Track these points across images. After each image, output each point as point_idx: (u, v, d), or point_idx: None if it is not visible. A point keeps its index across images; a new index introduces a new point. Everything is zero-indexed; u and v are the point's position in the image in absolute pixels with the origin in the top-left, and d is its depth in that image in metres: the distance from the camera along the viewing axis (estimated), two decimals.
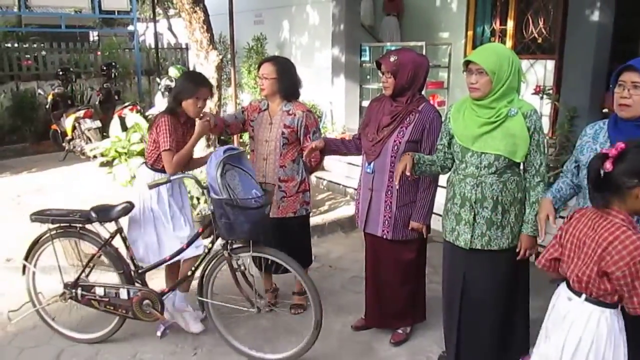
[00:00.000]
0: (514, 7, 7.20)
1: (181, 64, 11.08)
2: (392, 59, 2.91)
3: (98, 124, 8.03)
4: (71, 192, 6.34)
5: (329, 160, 6.93)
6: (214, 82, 5.08)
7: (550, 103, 5.55)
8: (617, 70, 2.18)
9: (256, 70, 3.52)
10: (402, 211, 3.03)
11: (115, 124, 7.33)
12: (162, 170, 3.21)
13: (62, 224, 3.19)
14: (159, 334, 3.31)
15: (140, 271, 3.23)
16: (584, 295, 1.97)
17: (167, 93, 8.31)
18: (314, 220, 5.19)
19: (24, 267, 3.35)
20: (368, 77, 7.90)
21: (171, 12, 15.38)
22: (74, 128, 8.03)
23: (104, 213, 3.11)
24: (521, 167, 2.67)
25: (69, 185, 6.81)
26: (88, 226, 3.20)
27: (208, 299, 3.18)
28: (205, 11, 4.99)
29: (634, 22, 6.10)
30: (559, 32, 6.51)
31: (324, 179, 6.64)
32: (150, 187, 3.03)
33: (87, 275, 3.30)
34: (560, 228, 2.10)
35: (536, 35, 7.00)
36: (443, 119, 2.79)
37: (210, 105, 5.13)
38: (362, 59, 7.62)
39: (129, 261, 3.23)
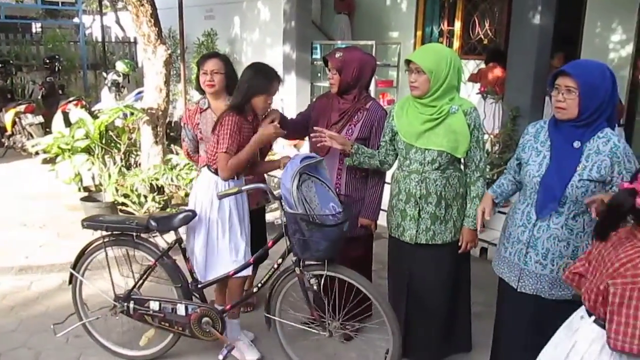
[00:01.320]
0: (461, 9, 7.38)
1: (129, 59, 10.82)
2: (337, 56, 2.95)
3: (40, 119, 7.75)
4: (11, 190, 6.09)
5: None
6: (162, 77, 4.99)
7: (494, 103, 5.72)
8: (552, 74, 2.26)
9: (196, 66, 3.37)
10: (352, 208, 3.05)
11: (58, 119, 7.07)
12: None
13: (115, 232, 2.93)
14: (221, 357, 2.89)
15: (199, 285, 2.93)
16: (593, 317, 1.83)
17: (113, 88, 8.12)
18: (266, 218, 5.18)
19: (71, 276, 3.07)
20: (319, 74, 7.93)
21: (119, 4, 14.96)
22: (14, 123, 7.72)
23: (163, 222, 2.83)
24: (462, 163, 2.78)
25: (9, 182, 6.55)
26: (144, 235, 2.92)
27: (276, 317, 2.89)
28: (152, 4, 4.88)
29: (574, 26, 6.36)
30: (504, 34, 6.72)
31: (275, 177, 6.62)
32: (220, 197, 2.73)
33: (139, 288, 3.02)
34: (592, 244, 1.97)
35: (482, 37, 7.20)
36: (389, 115, 2.84)
37: (159, 101, 5.04)
38: (314, 56, 7.64)
39: (187, 274, 2.95)
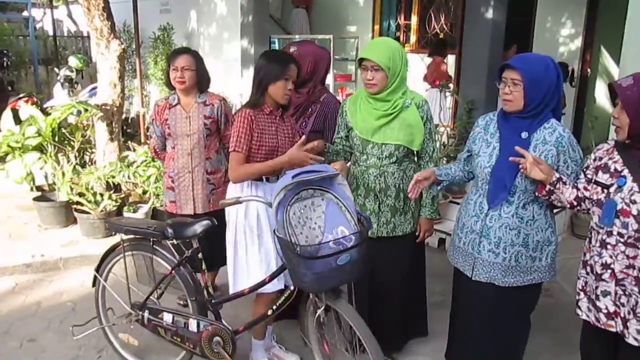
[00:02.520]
0: (417, 3, 7.49)
1: (83, 53, 10.52)
2: (292, 50, 2.97)
3: None
4: None
5: None
6: (116, 72, 4.88)
7: (450, 96, 5.82)
8: (498, 68, 2.32)
9: (166, 62, 3.33)
10: None
11: (7, 116, 6.82)
12: (255, 179, 2.67)
13: (135, 236, 2.81)
14: None
15: (214, 301, 2.72)
16: None
17: (66, 84, 7.89)
18: None
19: (95, 278, 2.99)
20: None
21: None
22: None
23: (180, 229, 2.63)
24: (415, 154, 2.83)
25: None
26: (164, 241, 2.77)
27: (311, 342, 2.73)
28: None
29: (525, 20, 6.53)
30: (459, 28, 6.85)
31: None
32: (221, 206, 2.55)
33: (159, 298, 2.86)
34: None
35: (438, 31, 7.32)
36: (340, 111, 2.84)
37: (114, 97, 4.93)
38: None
39: (203, 288, 2.75)
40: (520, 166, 2.21)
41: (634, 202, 1.98)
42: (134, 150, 5.31)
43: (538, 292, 2.58)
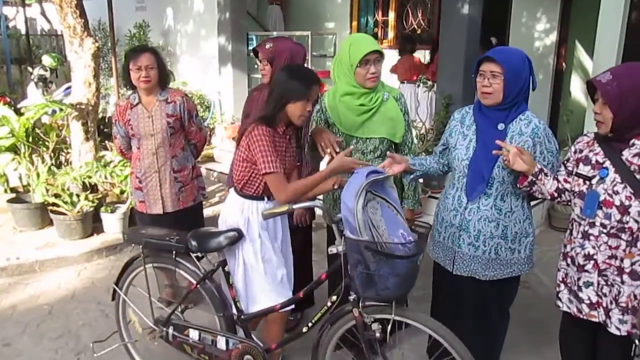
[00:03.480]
0: None
1: (57, 52, 10.33)
2: (268, 46, 2.94)
3: None
4: None
5: (220, 152, 6.85)
6: (90, 71, 4.80)
7: (427, 91, 5.85)
8: (477, 60, 2.33)
9: (125, 61, 3.23)
10: None
11: None
12: (254, 197, 2.51)
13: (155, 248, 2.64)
14: None
15: (243, 317, 2.57)
16: None
17: (40, 83, 7.74)
18: (205, 212, 5.09)
19: (114, 292, 2.84)
20: (256, 66, 7.84)
21: None
22: None
23: (204, 242, 2.47)
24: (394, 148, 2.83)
25: None
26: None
27: None
28: None
29: (501, 15, 6.59)
30: (436, 24, 6.88)
31: (215, 171, 6.55)
32: (265, 217, 2.28)
33: (183, 312, 2.71)
34: None
35: (415, 27, 7.34)
36: (318, 107, 2.83)
37: (88, 96, 4.85)
38: (250, 47, 7.56)
39: (231, 303, 2.59)
40: (502, 158, 2.22)
41: (617, 193, 2.01)
42: (111, 149, 5.24)
43: (517, 285, 2.61)
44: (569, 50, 6.72)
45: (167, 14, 8.68)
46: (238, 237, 2.47)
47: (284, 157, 2.47)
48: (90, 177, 4.71)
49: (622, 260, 2.05)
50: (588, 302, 2.16)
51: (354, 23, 7.86)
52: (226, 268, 2.55)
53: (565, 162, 2.27)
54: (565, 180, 2.24)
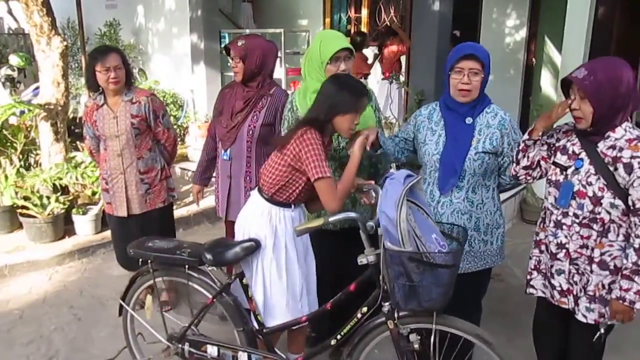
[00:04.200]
0: None
1: (25, 51, 10.10)
2: (240, 44, 2.92)
3: None
4: None
5: (193, 151, 6.79)
6: (59, 70, 4.71)
7: (400, 87, 5.89)
8: (454, 59, 2.32)
9: (89, 62, 3.18)
10: None
11: None
12: (283, 204, 2.37)
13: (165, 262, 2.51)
14: None
15: (265, 331, 2.43)
16: None
17: (8, 83, 7.57)
18: (179, 213, 5.06)
19: (121, 307, 2.71)
20: (229, 64, 7.78)
21: None
22: None
23: (220, 254, 2.33)
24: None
25: None
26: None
27: None
28: None
29: (472, 12, 6.66)
30: (408, 20, 6.92)
31: (189, 170, 6.48)
32: (300, 233, 2.19)
33: (197, 325, 2.57)
34: None
35: (388, 23, 7.37)
36: (289, 106, 2.80)
37: (57, 96, 4.76)
38: (222, 45, 7.50)
39: (250, 316, 2.46)
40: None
41: (590, 184, 2.05)
42: (82, 150, 5.15)
43: (489, 277, 2.65)
44: (539, 45, 6.82)
45: (138, 11, 8.55)
46: (256, 247, 2.35)
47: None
48: (60, 178, 4.62)
49: (592, 250, 2.10)
50: (559, 289, 2.21)
51: (327, 20, 7.86)
52: (244, 280, 2.41)
53: (548, 144, 2.26)
54: (544, 159, 2.26)
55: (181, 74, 7.51)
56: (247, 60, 2.91)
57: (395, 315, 2.09)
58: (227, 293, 2.43)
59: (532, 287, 2.35)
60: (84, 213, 4.62)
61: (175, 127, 5.39)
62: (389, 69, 6.53)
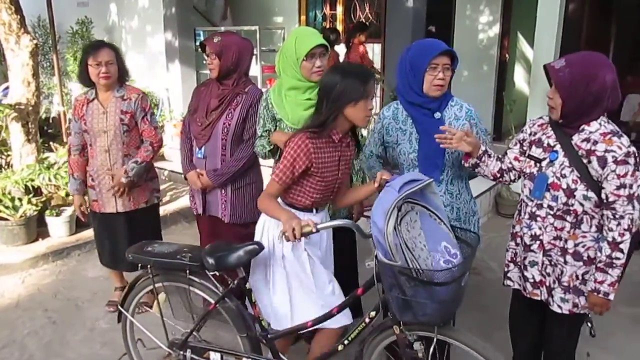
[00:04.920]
0: None
1: None
2: (216, 40, 2.91)
3: None
4: None
5: (169, 150, 6.73)
6: (29, 69, 4.62)
7: (376, 84, 5.91)
8: (432, 55, 2.30)
9: (82, 56, 3.18)
10: (237, 194, 3.04)
11: None
12: (306, 209, 2.30)
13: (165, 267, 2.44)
14: None
15: (270, 336, 2.37)
16: None
17: None
18: None
19: (120, 314, 2.64)
20: (205, 61, 7.72)
21: None
22: None
23: (222, 258, 2.24)
24: None
25: None
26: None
27: None
28: None
29: (446, 9, 6.72)
30: (383, 17, 6.95)
31: (165, 169, 6.42)
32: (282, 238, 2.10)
33: (199, 331, 2.50)
34: None
35: (364, 20, 7.39)
36: (264, 104, 2.79)
37: (28, 95, 4.67)
38: (197, 43, 7.43)
39: (254, 322, 2.39)
40: (442, 145, 2.25)
41: (564, 176, 2.09)
42: (56, 150, 5.06)
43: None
44: (512, 41, 6.91)
45: (110, 9, 8.43)
46: (259, 250, 2.28)
47: (335, 168, 2.26)
48: (32, 180, 4.54)
49: (566, 241, 2.14)
50: (532, 280, 2.25)
51: (303, 17, 7.86)
52: (247, 285, 2.34)
53: (521, 141, 2.31)
54: (516, 159, 2.30)
55: (156, 73, 7.43)
56: (223, 56, 2.90)
57: (400, 322, 2.02)
58: (230, 298, 2.35)
59: (509, 279, 2.39)
60: (58, 214, 4.55)
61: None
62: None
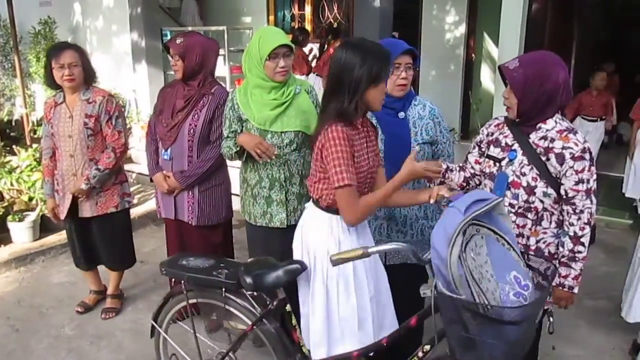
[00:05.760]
0: None
1: None
2: (178, 41, 2.89)
3: None
4: None
5: (137, 152, 6.63)
6: None
7: None
8: (394, 55, 2.31)
9: (46, 59, 3.13)
10: (205, 195, 3.02)
11: None
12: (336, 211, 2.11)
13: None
14: None
15: None
16: None
17: None
18: None
19: (152, 328, 2.49)
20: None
21: None
22: None
23: (261, 278, 2.07)
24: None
25: None
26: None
27: None
28: None
29: (412, 9, 6.79)
30: (352, 17, 6.98)
31: (133, 172, 6.33)
32: (335, 263, 1.80)
33: (235, 352, 2.34)
34: None
35: (332, 20, 7.41)
36: (230, 105, 2.77)
37: None
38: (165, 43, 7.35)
39: (295, 348, 2.22)
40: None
41: (524, 174, 2.12)
42: (18, 153, 4.94)
43: None
44: (478, 41, 7.02)
45: (74, 9, 8.27)
46: (301, 270, 2.09)
47: (367, 156, 2.08)
48: None
49: (528, 238, 2.17)
50: None
51: (271, 17, 7.84)
52: (287, 307, 2.18)
53: (478, 143, 2.35)
54: (477, 162, 2.33)
55: (122, 73, 7.32)
56: (187, 58, 2.88)
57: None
58: (269, 320, 2.18)
59: None
60: (21, 220, 4.44)
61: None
62: (299, 69, 6.60)
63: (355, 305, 2.06)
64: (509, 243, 1.73)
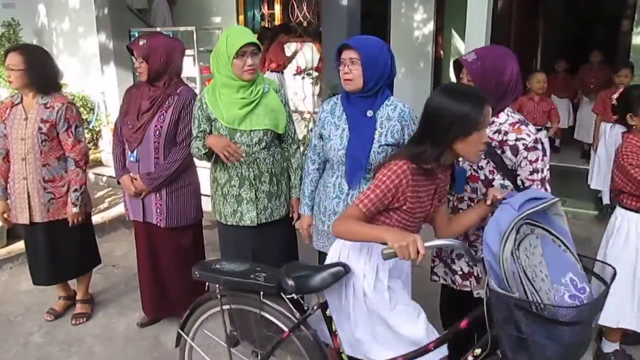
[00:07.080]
0: None
1: None
2: (141, 43, 2.86)
3: None
4: None
5: (107, 155, 6.55)
6: None
7: (313, 82, 5.95)
8: (337, 48, 2.39)
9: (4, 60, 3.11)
10: (173, 197, 3.00)
11: None
12: None
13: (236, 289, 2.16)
14: None
15: None
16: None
17: None
18: (93, 220, 4.86)
19: (179, 337, 2.37)
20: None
21: None
22: None
23: (304, 281, 1.99)
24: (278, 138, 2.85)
25: None
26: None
27: None
28: None
29: (381, 7, 6.83)
30: (321, 16, 6.99)
31: (104, 175, 6.26)
32: (386, 257, 1.70)
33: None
34: None
35: (302, 20, 7.40)
36: (198, 104, 2.76)
37: None
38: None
39: (334, 356, 2.13)
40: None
41: (481, 168, 2.17)
42: None
43: None
44: (446, 38, 7.10)
45: (39, 11, 8.13)
46: (344, 272, 2.00)
47: (429, 202, 1.97)
48: None
49: None
50: (460, 272, 2.32)
51: (241, 17, 7.81)
52: (327, 312, 2.09)
53: None
54: None
55: (90, 76, 7.23)
56: (150, 59, 2.86)
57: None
58: (306, 326, 2.08)
59: (435, 274, 2.46)
60: None
61: (87, 131, 5.15)
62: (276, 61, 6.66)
63: (393, 320, 2.00)
64: (565, 244, 1.70)
